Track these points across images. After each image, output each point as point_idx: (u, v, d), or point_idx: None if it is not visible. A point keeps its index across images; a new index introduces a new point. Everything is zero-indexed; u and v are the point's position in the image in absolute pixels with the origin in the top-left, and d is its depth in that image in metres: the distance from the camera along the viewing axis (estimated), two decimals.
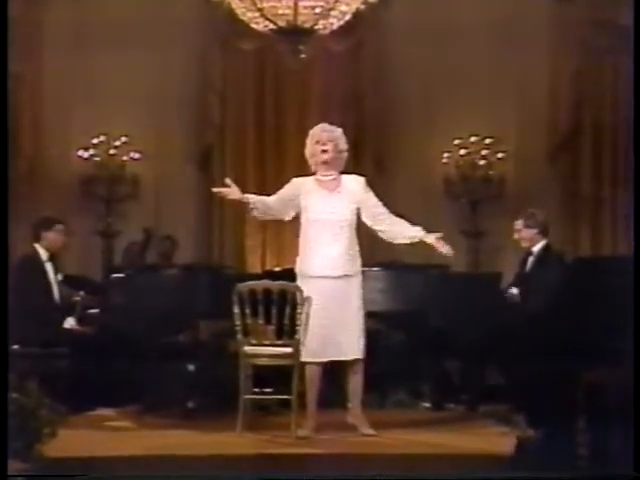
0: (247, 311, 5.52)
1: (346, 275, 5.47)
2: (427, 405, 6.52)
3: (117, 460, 4.90)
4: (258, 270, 9.01)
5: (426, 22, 9.32)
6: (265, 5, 7.64)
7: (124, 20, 9.18)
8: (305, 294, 5.44)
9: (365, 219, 5.57)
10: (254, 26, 8.14)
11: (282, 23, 7.88)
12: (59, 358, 6.11)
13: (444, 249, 5.53)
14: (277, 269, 8.09)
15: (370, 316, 5.73)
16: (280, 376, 5.66)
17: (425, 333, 6.48)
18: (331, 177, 5.55)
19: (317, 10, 7.79)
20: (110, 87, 9.17)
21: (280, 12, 7.79)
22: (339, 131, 5.61)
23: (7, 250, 5.01)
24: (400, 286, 6.46)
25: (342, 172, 5.65)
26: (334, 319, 5.43)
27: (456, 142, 9.36)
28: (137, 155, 9.30)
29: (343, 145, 5.60)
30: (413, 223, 9.23)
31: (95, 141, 9.25)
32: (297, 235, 5.68)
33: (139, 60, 9.18)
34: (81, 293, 6.48)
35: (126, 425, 5.93)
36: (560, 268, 6.38)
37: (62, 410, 4.75)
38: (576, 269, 6.72)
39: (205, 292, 6.32)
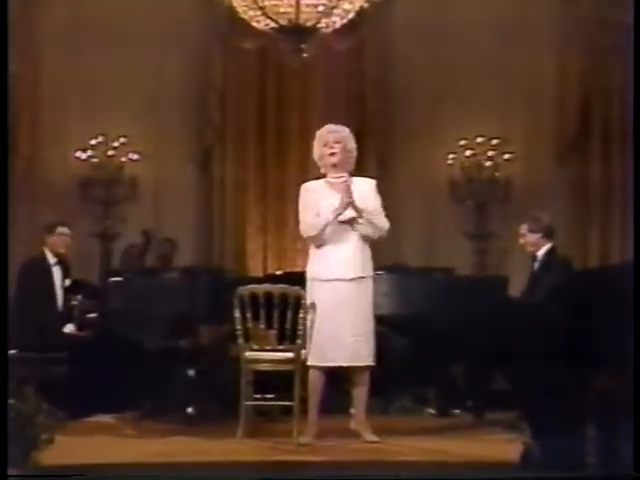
0: (248, 315, 5.53)
1: (359, 278, 5.49)
2: (432, 411, 6.53)
3: (116, 467, 4.92)
4: (259, 273, 9.02)
5: (430, 21, 9.33)
6: (266, 3, 7.67)
7: (122, 19, 9.20)
8: (315, 298, 5.45)
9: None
10: (255, 25, 8.15)
11: (284, 21, 7.91)
12: (57, 363, 6.14)
13: None
14: (279, 272, 8.10)
15: (375, 320, 5.74)
16: (282, 382, 5.67)
17: (430, 337, 6.48)
18: (342, 179, 5.56)
19: (320, 8, 7.81)
20: (108, 87, 9.19)
21: (282, 10, 7.81)
22: (346, 131, 5.61)
23: (7, 254, 5.03)
24: (404, 290, 6.47)
25: (352, 174, 5.64)
26: (345, 323, 5.43)
27: (461, 143, 9.37)
28: (136, 156, 9.32)
29: (351, 145, 5.60)
30: (417, 226, 9.37)
31: (93, 142, 9.27)
32: (298, 238, 5.69)
33: (138, 59, 9.21)
34: (79, 297, 6.50)
35: (125, 431, 5.94)
36: (564, 272, 6.39)
37: (60, 416, 4.77)
38: (582, 273, 6.74)
39: (205, 296, 6.33)
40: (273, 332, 5.61)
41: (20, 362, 5.91)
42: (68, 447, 4.99)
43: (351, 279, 5.48)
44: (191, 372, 6.34)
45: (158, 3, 9.18)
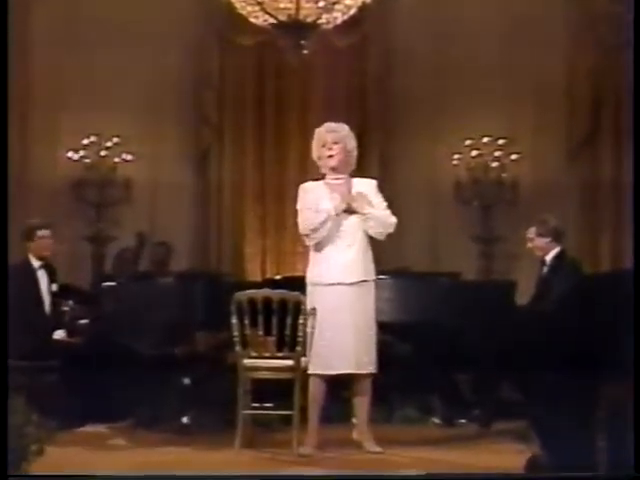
0: (246, 321, 5.52)
1: (361, 282, 5.47)
2: (437, 421, 6.51)
3: (108, 479, 4.90)
4: (258, 278, 9.02)
5: (435, 16, 9.34)
6: None
7: (117, 15, 9.21)
8: (316, 304, 5.43)
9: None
10: (253, 20, 8.16)
11: (283, 17, 7.90)
12: (47, 371, 6.12)
13: None
14: (278, 277, 8.10)
15: (378, 326, 5.72)
16: (281, 390, 5.66)
17: (434, 344, 6.47)
18: (341, 180, 5.54)
19: (320, 4, 7.81)
20: (101, 85, 9.19)
21: (281, 6, 7.81)
22: (346, 129, 5.58)
23: (7, 254, 5.00)
24: (408, 295, 6.46)
25: (353, 174, 5.62)
26: (347, 329, 5.41)
27: (467, 143, 9.36)
28: (130, 157, 9.32)
29: (352, 144, 5.57)
30: (421, 229, 9.36)
31: (85, 142, 9.27)
32: (298, 241, 5.67)
33: (132, 56, 9.20)
34: (70, 303, 6.48)
35: (118, 442, 5.92)
36: (574, 276, 6.38)
37: (50, 426, 4.74)
38: (592, 277, 6.72)
39: (202, 301, 6.31)
40: (272, 339, 5.60)
41: (9, 370, 5.86)
42: (59, 458, 4.97)
43: (352, 283, 5.46)
44: (187, 380, 6.33)
45: None
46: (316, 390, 5.47)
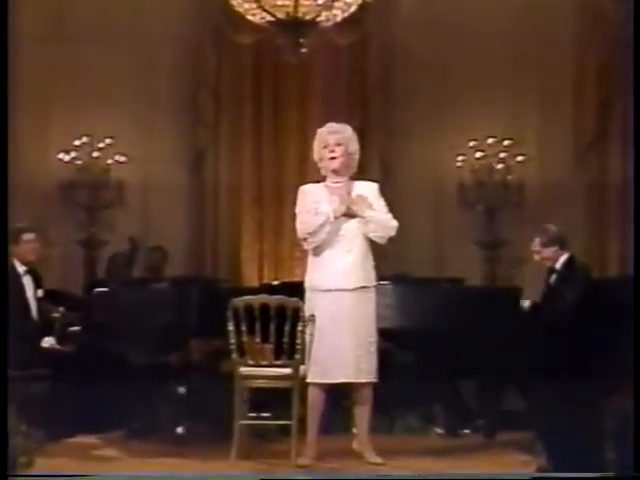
0: (243, 328, 5.52)
1: (361, 288, 5.47)
2: (440, 431, 6.51)
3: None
4: (255, 283, 9.02)
5: (438, 14, 9.34)
6: None
7: (109, 11, 9.21)
8: (314, 310, 5.42)
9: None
10: (251, 18, 8.17)
11: (281, 15, 7.91)
12: (37, 380, 6.10)
13: None
14: (275, 282, 8.09)
15: (379, 334, 5.72)
16: (279, 399, 5.65)
17: (437, 352, 6.46)
18: (342, 183, 5.54)
19: (319, 1, 7.83)
20: (94, 84, 9.19)
21: (279, 3, 7.82)
22: (349, 131, 5.58)
23: (7, 255, 4.99)
24: (410, 301, 6.46)
25: (354, 177, 5.61)
26: (346, 336, 5.41)
27: (471, 144, 9.36)
28: (123, 158, 9.31)
29: (354, 146, 5.57)
30: (423, 233, 9.34)
31: (77, 143, 9.27)
32: (296, 245, 5.67)
33: (125, 54, 9.21)
34: (60, 309, 6.48)
35: (110, 453, 5.92)
36: (584, 283, 6.37)
37: (40, 437, 4.74)
38: (601, 283, 6.71)
39: (197, 308, 6.31)
40: (269, 346, 5.59)
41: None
42: (49, 470, 4.96)
43: (352, 289, 5.46)
44: (181, 389, 6.33)
45: None
46: (315, 399, 5.47)
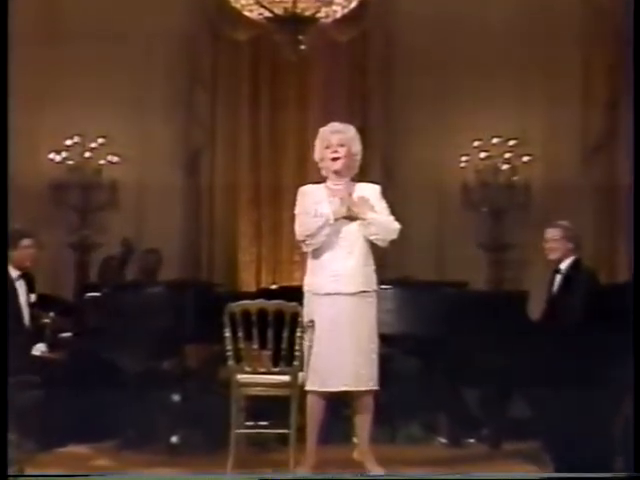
0: (240, 334, 5.51)
1: (362, 292, 5.46)
2: (443, 440, 6.51)
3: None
4: (252, 288, 9.03)
5: (440, 9, 9.34)
6: None
7: (101, 8, 9.22)
8: (313, 314, 5.41)
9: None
10: (248, 14, 8.17)
11: (279, 11, 7.92)
12: (26, 388, 6.09)
13: None
14: (273, 287, 8.10)
15: (380, 340, 5.71)
16: (277, 408, 5.64)
17: (440, 359, 6.47)
18: (343, 185, 5.53)
19: None
20: (86, 82, 9.18)
21: None
22: (352, 131, 5.56)
23: (6, 255, 4.98)
24: (412, 306, 6.46)
25: (355, 179, 5.61)
26: (346, 343, 5.40)
27: (475, 144, 9.36)
28: (116, 158, 9.31)
29: (357, 147, 5.56)
30: (426, 236, 9.34)
31: (68, 142, 9.27)
32: (295, 249, 5.67)
33: (118, 52, 9.20)
34: (51, 315, 6.46)
35: (102, 463, 5.91)
36: (591, 287, 6.37)
37: (30, 447, 4.73)
38: (609, 288, 6.71)
39: (192, 313, 6.31)
40: (267, 353, 5.59)
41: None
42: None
43: (353, 294, 5.45)
44: (176, 397, 6.32)
45: None
46: (314, 407, 5.45)
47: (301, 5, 7.84)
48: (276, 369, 5.55)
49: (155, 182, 9.38)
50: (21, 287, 6.39)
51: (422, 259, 9.18)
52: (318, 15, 7.96)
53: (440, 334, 6.37)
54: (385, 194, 5.63)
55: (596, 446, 4.78)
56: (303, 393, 5.47)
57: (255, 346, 5.57)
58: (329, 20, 8.12)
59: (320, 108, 9.43)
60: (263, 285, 9.12)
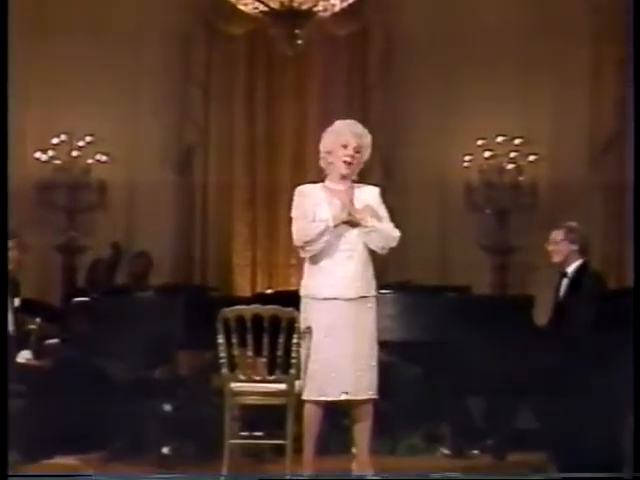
0: (234, 341, 5.50)
1: (361, 297, 5.45)
2: (446, 451, 6.50)
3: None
4: (247, 293, 9.03)
5: (444, 3, 9.36)
6: None
7: (89, 1, 9.22)
8: (311, 320, 5.41)
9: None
10: (242, 8, 8.17)
11: (275, 4, 7.92)
12: (12, 397, 6.08)
13: None
14: (269, 291, 8.10)
15: (380, 346, 5.71)
16: (273, 417, 5.64)
17: (443, 366, 6.46)
18: (343, 187, 5.52)
19: None
20: (73, 78, 9.18)
21: None
22: (369, 138, 5.56)
23: (6, 255, 4.97)
24: (413, 311, 6.46)
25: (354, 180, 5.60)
26: (345, 350, 5.40)
27: (479, 143, 9.36)
28: (104, 157, 9.31)
29: (368, 153, 5.58)
30: (428, 238, 9.34)
31: (55, 141, 9.26)
32: (292, 252, 5.66)
33: (108, 46, 9.20)
34: (37, 320, 6.46)
35: (91, 475, 5.90)
36: (598, 292, 6.37)
37: (14, 459, 4.72)
38: (617, 293, 6.71)
39: (184, 319, 6.31)
40: (263, 360, 5.58)
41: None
42: None
43: (352, 299, 5.44)
44: (167, 406, 6.32)
45: None
46: (311, 417, 5.45)
47: None
48: (272, 377, 5.54)
49: (145, 182, 9.38)
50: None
51: (424, 262, 9.18)
52: (316, 9, 7.97)
53: (442, 340, 6.38)
54: (385, 195, 5.63)
55: (606, 458, 4.77)
56: (300, 402, 5.47)
57: (250, 353, 5.56)
58: (327, 14, 8.12)
59: (318, 105, 9.43)
60: (258, 290, 9.13)
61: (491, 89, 9.29)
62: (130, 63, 9.31)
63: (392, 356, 6.55)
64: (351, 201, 5.44)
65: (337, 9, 8.15)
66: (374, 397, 5.46)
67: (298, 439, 5.49)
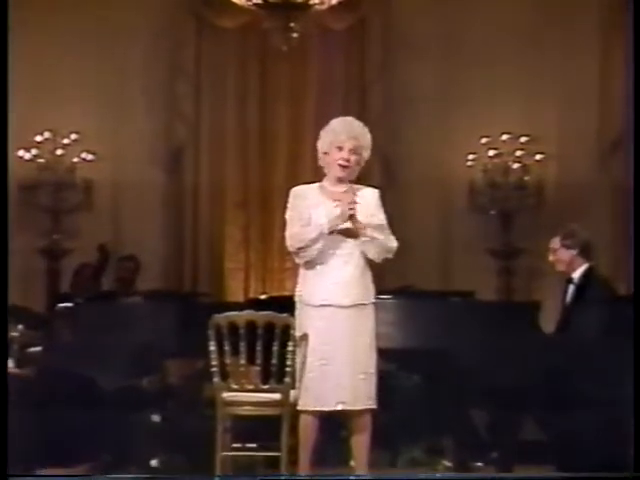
0: (226, 349, 5.50)
1: (359, 304, 5.45)
2: (448, 464, 6.51)
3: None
4: (240, 298, 9.03)
5: None
6: None
7: None
8: (306, 327, 5.41)
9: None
10: (235, 0, 8.17)
11: None
12: None
13: None
14: (263, 297, 8.10)
15: (379, 354, 5.71)
16: (267, 428, 5.64)
17: (446, 376, 6.46)
18: (341, 189, 5.52)
19: None
20: (58, 73, 9.19)
21: None
22: (368, 137, 5.53)
23: (7, 254, 4.97)
24: (414, 318, 6.47)
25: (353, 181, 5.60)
26: (342, 358, 5.39)
27: (483, 141, 9.37)
28: (90, 156, 9.31)
29: (368, 153, 5.55)
30: (430, 241, 9.34)
31: (39, 139, 9.26)
32: (286, 256, 5.66)
33: (93, 41, 9.20)
34: (19, 327, 6.46)
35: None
36: (605, 298, 6.38)
37: None
38: (627, 299, 6.71)
39: (174, 325, 6.33)
40: (256, 369, 5.58)
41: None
42: None
43: (349, 306, 5.44)
44: (156, 417, 6.33)
45: None
46: (307, 428, 5.44)
47: None
48: (266, 386, 5.54)
49: (133, 182, 9.38)
50: None
51: (425, 266, 9.18)
52: (312, 1, 7.98)
53: (444, 348, 6.38)
54: (385, 195, 5.62)
55: (615, 469, 4.78)
56: (295, 412, 5.46)
57: (243, 361, 5.57)
58: (324, 7, 8.13)
59: (314, 102, 9.44)
60: (251, 295, 9.13)
61: (495, 84, 9.30)
62: (117, 57, 9.31)
63: (391, 364, 6.56)
64: (350, 209, 5.41)
65: (334, 2, 8.17)
66: (373, 407, 5.46)
67: (293, 451, 5.48)
